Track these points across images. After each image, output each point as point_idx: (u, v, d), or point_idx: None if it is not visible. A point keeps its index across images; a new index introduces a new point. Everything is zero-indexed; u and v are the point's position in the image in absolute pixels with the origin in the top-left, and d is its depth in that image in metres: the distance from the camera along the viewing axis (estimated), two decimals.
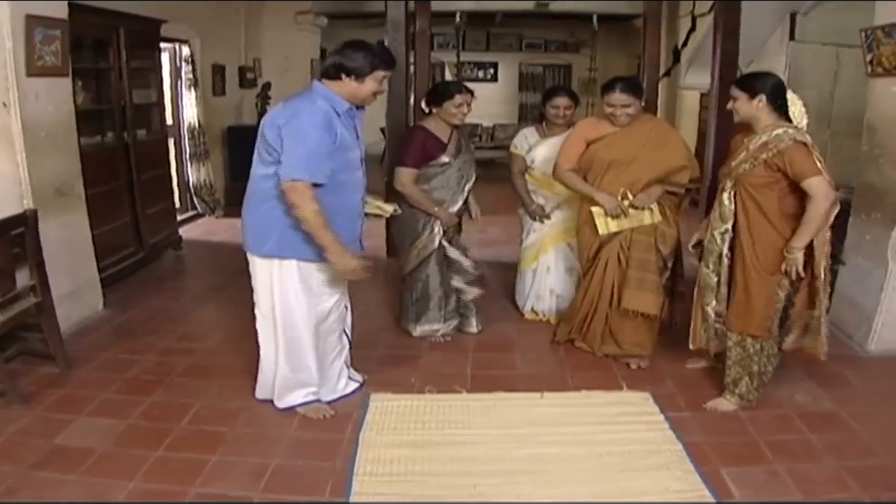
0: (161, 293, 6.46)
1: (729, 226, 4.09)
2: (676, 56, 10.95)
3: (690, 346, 4.36)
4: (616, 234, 4.68)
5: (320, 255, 3.71)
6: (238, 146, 10.59)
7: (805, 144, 3.87)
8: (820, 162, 3.85)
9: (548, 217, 5.57)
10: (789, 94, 4.13)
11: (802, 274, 3.92)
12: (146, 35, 7.26)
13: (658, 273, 4.63)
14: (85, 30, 5.95)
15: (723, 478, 3.46)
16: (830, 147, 9.13)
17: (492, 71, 18.15)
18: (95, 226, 5.78)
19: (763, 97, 3.98)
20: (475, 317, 5.43)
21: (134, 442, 3.77)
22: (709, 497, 3.32)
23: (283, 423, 4.01)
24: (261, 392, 4.25)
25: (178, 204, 8.86)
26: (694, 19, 10.08)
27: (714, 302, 4.20)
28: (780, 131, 3.91)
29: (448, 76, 17.20)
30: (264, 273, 3.91)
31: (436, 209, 4.94)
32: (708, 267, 4.18)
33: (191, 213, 9.77)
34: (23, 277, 4.56)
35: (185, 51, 9.13)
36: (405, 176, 4.87)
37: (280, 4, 11.54)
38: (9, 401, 4.12)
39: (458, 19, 13.70)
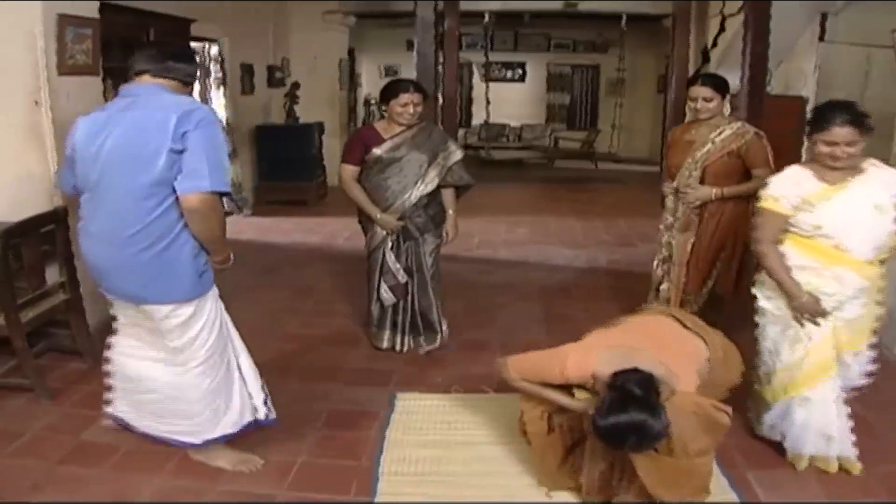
0: None
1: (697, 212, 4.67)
2: (705, 56, 10.87)
3: None
4: None
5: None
6: (266, 145, 10.66)
7: (762, 137, 4.59)
8: (770, 154, 4.58)
9: (825, 315, 3.45)
10: None
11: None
12: (176, 34, 7.29)
13: None
14: (115, 29, 5.98)
15: (749, 481, 3.43)
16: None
17: (520, 71, 18.11)
18: None
19: (728, 96, 4.59)
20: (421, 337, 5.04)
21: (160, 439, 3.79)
22: (735, 500, 3.29)
23: (310, 422, 4.02)
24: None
25: None
26: (723, 19, 10.00)
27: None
28: (740, 124, 4.63)
29: (476, 76, 17.20)
30: (180, 319, 3.30)
31: (375, 213, 4.73)
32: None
33: None
34: (52, 274, 4.59)
35: (214, 50, 9.18)
36: (343, 172, 4.78)
37: (308, 4, 11.56)
38: (36, 396, 4.15)
39: (486, 19, 13.69)
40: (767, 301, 3.61)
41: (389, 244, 4.82)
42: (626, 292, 6.15)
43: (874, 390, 4.46)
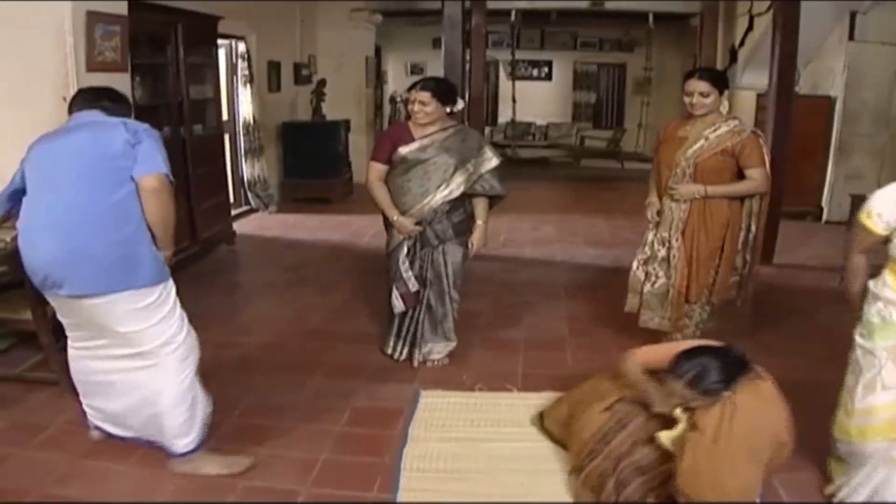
0: (213, 287, 6.55)
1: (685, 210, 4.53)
2: (733, 56, 10.80)
3: None
4: None
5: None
6: (292, 142, 10.69)
7: (760, 136, 4.47)
8: (767, 155, 4.46)
9: None
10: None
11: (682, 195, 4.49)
12: (203, 31, 7.33)
13: None
14: (143, 26, 6.01)
15: (773, 484, 3.40)
16: (889, 149, 8.97)
17: (546, 69, 18.04)
18: None
19: (726, 92, 4.48)
20: (418, 346, 4.79)
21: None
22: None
23: (333, 418, 4.03)
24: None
25: (231, 199, 8.90)
26: (751, 18, 9.93)
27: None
28: (737, 122, 4.47)
29: (502, 74, 17.17)
30: (145, 309, 3.25)
31: (393, 215, 4.56)
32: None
33: (244, 209, 9.84)
34: None
35: (242, 47, 9.22)
36: (370, 169, 4.61)
37: (335, 2, 11.58)
38: (62, 390, 4.17)
39: (513, 17, 13.66)
40: (858, 336, 3.23)
41: (405, 249, 4.60)
42: None
43: None
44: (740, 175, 4.45)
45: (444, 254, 4.64)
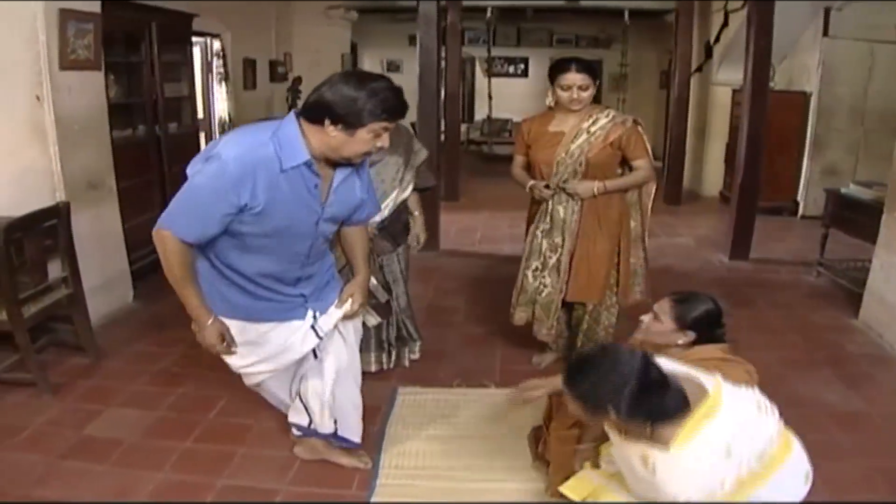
0: None
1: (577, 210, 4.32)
2: (708, 52, 10.85)
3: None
4: None
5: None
6: None
7: (640, 125, 4.35)
8: (648, 144, 4.37)
9: None
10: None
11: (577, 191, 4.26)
12: (178, 29, 7.28)
13: None
14: (117, 24, 5.97)
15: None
16: (863, 144, 9.05)
17: (522, 66, 18.05)
18: (126, 218, 5.83)
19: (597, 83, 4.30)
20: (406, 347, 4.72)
21: (162, 433, 3.79)
22: None
23: None
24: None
25: None
26: (727, 14, 9.98)
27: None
28: (613, 112, 4.32)
29: (478, 71, 17.18)
30: None
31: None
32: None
33: None
34: (55, 269, 4.61)
35: (217, 45, 9.16)
36: None
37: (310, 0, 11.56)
38: (39, 391, 4.16)
39: (488, 14, 13.70)
40: None
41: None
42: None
43: (873, 384, 4.48)
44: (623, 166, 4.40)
45: (397, 255, 4.48)
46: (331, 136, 2.71)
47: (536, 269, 4.49)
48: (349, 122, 2.66)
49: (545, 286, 4.45)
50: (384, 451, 3.68)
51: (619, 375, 2.22)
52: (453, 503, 3.29)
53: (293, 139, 2.73)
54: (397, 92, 2.74)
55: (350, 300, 3.23)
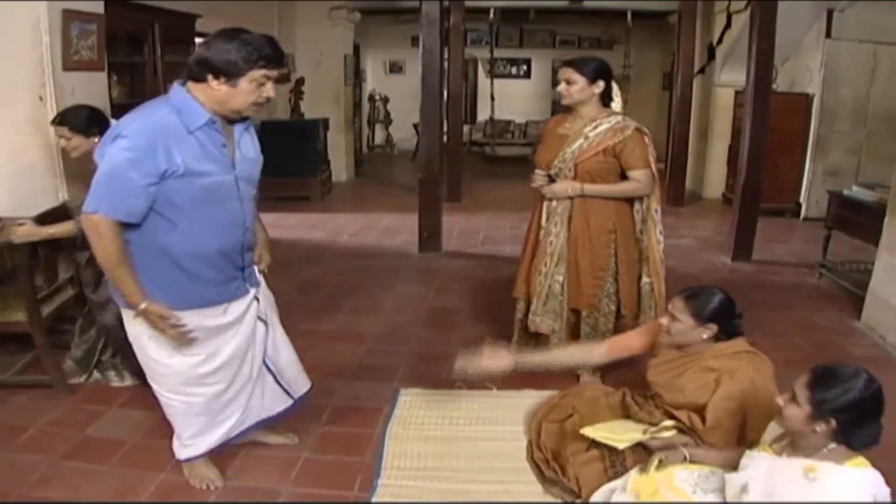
0: None
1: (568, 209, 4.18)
2: (711, 53, 10.85)
3: None
4: None
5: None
6: (271, 141, 10.56)
7: (645, 134, 4.10)
8: (652, 154, 4.10)
9: None
10: (613, 85, 4.23)
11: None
12: (181, 30, 7.30)
13: None
14: (120, 24, 5.98)
15: None
16: (866, 146, 9.05)
17: (525, 67, 18.05)
18: None
19: (601, 84, 4.09)
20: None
21: (164, 434, 3.77)
22: None
23: (313, 417, 4.01)
24: None
25: None
26: (729, 16, 9.98)
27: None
28: (619, 118, 4.09)
29: (481, 72, 17.19)
30: None
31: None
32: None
33: None
34: (62, 270, 4.61)
35: None
36: None
37: (314, 1, 11.53)
38: (47, 392, 4.16)
39: (491, 15, 13.70)
40: None
41: None
42: None
43: None
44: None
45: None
46: (215, 90, 2.84)
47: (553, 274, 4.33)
48: (229, 72, 2.80)
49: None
50: (386, 452, 3.67)
51: (863, 397, 2.29)
52: None
53: (187, 102, 2.87)
54: (271, 40, 2.89)
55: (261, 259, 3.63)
